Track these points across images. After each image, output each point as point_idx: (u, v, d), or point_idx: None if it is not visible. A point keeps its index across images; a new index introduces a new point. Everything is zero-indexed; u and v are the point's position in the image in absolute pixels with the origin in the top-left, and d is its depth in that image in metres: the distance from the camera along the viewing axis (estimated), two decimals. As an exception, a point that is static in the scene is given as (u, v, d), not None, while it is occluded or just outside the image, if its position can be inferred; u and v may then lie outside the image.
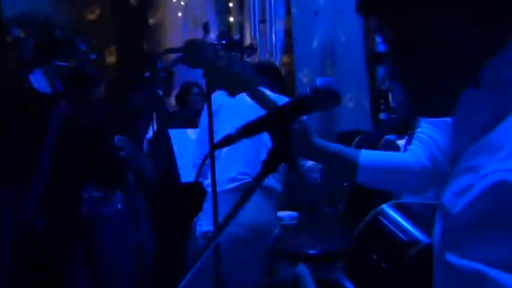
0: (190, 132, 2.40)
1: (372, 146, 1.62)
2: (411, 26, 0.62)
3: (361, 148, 1.66)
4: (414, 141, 1.14)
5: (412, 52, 0.63)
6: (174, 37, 4.93)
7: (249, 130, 0.78)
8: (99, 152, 2.42)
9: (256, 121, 0.78)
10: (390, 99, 3.38)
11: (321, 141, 0.99)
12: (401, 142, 1.52)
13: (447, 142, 1.09)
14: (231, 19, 4.93)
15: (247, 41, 4.41)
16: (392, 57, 0.66)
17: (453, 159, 0.70)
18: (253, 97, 1.07)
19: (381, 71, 3.77)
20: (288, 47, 4.30)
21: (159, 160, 2.70)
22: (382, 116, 3.58)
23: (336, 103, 0.77)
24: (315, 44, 3.94)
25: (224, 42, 1.64)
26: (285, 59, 4.40)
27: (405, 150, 1.40)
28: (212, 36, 4.45)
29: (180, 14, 4.98)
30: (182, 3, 4.99)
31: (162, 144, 2.63)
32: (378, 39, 3.75)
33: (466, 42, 0.59)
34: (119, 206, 2.48)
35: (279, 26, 4.31)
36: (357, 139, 1.74)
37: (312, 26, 3.98)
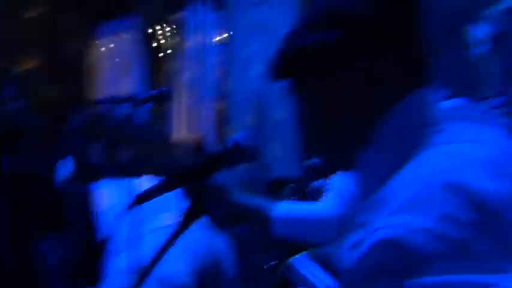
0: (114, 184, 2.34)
1: (301, 194, 1.66)
2: (317, 92, 0.66)
3: (288, 197, 1.69)
4: (329, 189, 1.17)
5: (319, 116, 0.67)
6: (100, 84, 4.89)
7: (167, 186, 0.79)
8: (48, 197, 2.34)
9: (174, 176, 0.80)
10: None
11: (237, 194, 1.00)
12: (324, 189, 1.57)
13: None
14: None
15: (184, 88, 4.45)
16: (303, 118, 0.71)
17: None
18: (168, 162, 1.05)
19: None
20: (224, 93, 4.37)
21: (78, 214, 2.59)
22: (311, 161, 3.69)
23: (255, 157, 0.80)
24: (250, 91, 4.05)
25: (155, 94, 1.66)
26: (221, 106, 4.46)
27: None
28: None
29: (107, 62, 4.95)
30: (110, 49, 4.95)
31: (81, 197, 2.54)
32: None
33: (364, 105, 0.64)
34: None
35: (215, 72, 4.40)
36: (286, 188, 1.78)
37: (247, 73, 4.10)
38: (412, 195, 0.51)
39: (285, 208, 1.08)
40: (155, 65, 5.06)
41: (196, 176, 0.79)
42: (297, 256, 0.88)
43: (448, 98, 0.67)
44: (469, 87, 2.70)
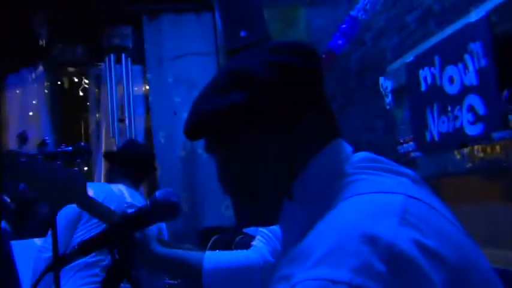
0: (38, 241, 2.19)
1: (227, 245, 1.64)
2: (230, 153, 0.68)
3: (216, 247, 1.66)
4: (257, 236, 1.18)
5: (235, 174, 0.68)
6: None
7: (85, 248, 0.75)
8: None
9: (93, 238, 0.76)
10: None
11: (162, 249, 0.97)
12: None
13: None
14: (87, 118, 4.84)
15: (103, 141, 4.33)
16: (220, 175, 0.71)
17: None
18: (83, 208, 1.02)
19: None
20: (149, 144, 4.31)
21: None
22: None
23: (176, 214, 0.79)
24: (175, 144, 4.03)
25: (61, 150, 1.60)
26: (146, 157, 4.38)
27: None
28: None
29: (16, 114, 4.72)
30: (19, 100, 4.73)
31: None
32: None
33: (276, 163, 0.66)
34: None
35: (139, 124, 4.34)
36: (212, 239, 1.76)
37: (171, 125, 4.08)
38: (328, 247, 0.52)
39: (215, 258, 1.07)
40: (71, 117, 4.89)
41: (118, 235, 0.75)
42: None
43: (356, 150, 0.71)
44: (388, 133, 2.89)
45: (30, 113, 4.71)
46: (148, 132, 4.30)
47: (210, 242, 1.74)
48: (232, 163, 0.68)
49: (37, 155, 1.60)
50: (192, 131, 0.69)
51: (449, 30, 2.22)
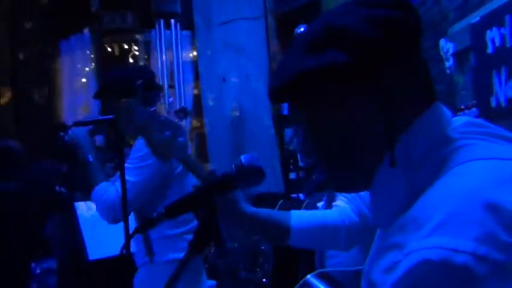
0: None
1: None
2: (322, 115, 0.64)
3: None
4: (340, 197, 1.17)
5: (326, 138, 0.65)
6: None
7: (171, 211, 0.76)
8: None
9: (179, 201, 0.76)
10: (299, 159, 3.52)
11: (251, 208, 0.98)
12: (320, 204, 1.56)
13: None
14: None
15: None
16: (308, 140, 0.68)
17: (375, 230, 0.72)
18: (185, 164, 1.03)
19: (288, 132, 3.94)
20: (198, 111, 4.35)
21: (65, 235, 2.50)
22: (292, 175, 3.69)
23: (261, 180, 0.78)
24: (224, 108, 4.04)
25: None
26: (195, 122, 4.43)
27: (326, 208, 1.43)
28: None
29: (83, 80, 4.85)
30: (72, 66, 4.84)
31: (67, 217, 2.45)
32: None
33: (373, 125, 0.62)
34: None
35: (188, 90, 4.37)
36: (278, 205, 1.76)
37: (220, 91, 4.09)
38: (447, 215, 0.50)
39: (302, 218, 1.08)
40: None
41: (203, 199, 0.76)
42: (310, 280, 0.86)
43: (454, 115, 0.67)
44: (447, 99, 2.78)
45: (83, 80, 4.83)
46: (197, 99, 4.34)
47: (277, 207, 1.75)
48: (326, 126, 0.64)
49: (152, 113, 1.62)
50: (283, 91, 0.65)
51: (523, -13, 2.06)
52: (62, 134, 1.81)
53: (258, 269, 2.24)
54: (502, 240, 0.47)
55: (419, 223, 0.51)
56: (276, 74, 0.67)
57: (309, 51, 0.62)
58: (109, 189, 1.72)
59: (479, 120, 0.64)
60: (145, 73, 2.03)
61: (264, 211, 1.01)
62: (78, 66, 4.81)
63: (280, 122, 3.96)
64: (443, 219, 0.50)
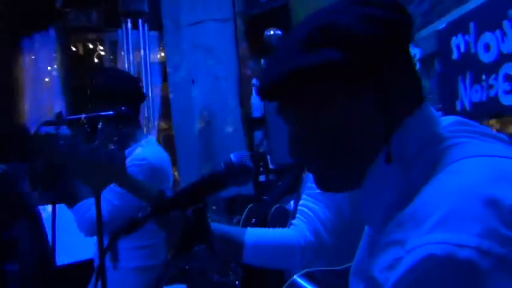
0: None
1: (263, 215, 1.63)
2: (316, 114, 0.64)
3: (252, 217, 1.66)
4: (297, 216, 1.17)
5: (319, 137, 0.65)
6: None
7: (159, 210, 0.74)
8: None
9: (166, 201, 0.74)
10: (268, 161, 3.52)
11: (212, 224, 0.97)
12: (288, 206, 1.57)
13: (328, 215, 1.14)
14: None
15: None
16: (298, 140, 0.67)
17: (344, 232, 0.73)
18: (124, 187, 1.00)
19: (257, 134, 3.94)
20: (166, 112, 4.29)
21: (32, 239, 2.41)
22: (261, 178, 3.69)
23: (250, 178, 0.77)
24: (192, 110, 4.00)
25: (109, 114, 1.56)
26: (163, 124, 4.37)
27: (294, 211, 1.44)
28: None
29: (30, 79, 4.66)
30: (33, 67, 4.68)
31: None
32: (253, 105, 3.95)
33: (370, 124, 0.62)
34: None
35: (156, 92, 4.30)
36: (247, 208, 1.75)
37: (188, 93, 4.05)
38: (447, 211, 0.50)
39: (257, 235, 1.07)
40: (86, 84, 4.85)
41: (192, 198, 0.74)
42: (297, 280, 0.85)
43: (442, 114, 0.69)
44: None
45: (46, 79, 4.68)
46: (165, 100, 4.27)
47: (245, 212, 1.74)
48: (319, 125, 0.64)
49: (75, 135, 1.58)
50: (275, 89, 0.64)
51: (487, -5, 2.14)
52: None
53: (230, 273, 2.22)
54: (503, 234, 0.48)
55: (419, 219, 0.52)
56: (269, 70, 0.66)
57: (303, 49, 0.61)
58: (92, 208, 1.67)
59: (467, 120, 0.65)
60: (135, 81, 2.02)
61: (220, 226, 1.00)
62: (41, 65, 4.64)
63: (249, 124, 3.95)
64: (444, 215, 0.50)
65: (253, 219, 1.70)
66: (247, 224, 1.65)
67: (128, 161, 1.80)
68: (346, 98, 0.62)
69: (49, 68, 4.66)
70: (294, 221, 1.18)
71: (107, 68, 3.69)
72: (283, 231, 1.15)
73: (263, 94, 0.67)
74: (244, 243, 1.04)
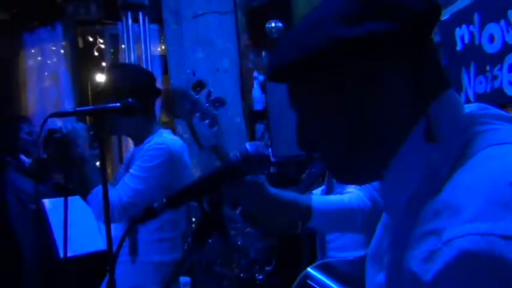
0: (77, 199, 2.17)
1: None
2: (344, 93, 0.60)
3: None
4: (348, 186, 1.19)
5: (345, 119, 0.61)
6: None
7: (174, 201, 0.73)
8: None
9: (181, 190, 0.74)
10: (270, 154, 3.52)
11: (274, 190, 0.98)
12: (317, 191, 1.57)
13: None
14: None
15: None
16: (315, 124, 0.63)
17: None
18: (216, 152, 1.03)
19: (259, 127, 3.93)
20: (166, 105, 4.28)
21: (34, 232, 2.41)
22: (263, 171, 3.69)
23: (267, 167, 0.77)
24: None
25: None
26: (164, 117, 4.36)
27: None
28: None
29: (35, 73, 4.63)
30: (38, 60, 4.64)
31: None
32: (254, 98, 3.94)
33: (403, 104, 0.59)
34: None
35: (157, 85, 4.28)
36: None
37: (189, 84, 4.03)
38: (486, 200, 0.48)
39: (322, 201, 1.11)
40: (88, 77, 4.83)
41: (208, 188, 0.74)
42: (310, 272, 0.85)
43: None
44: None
45: (46, 73, 4.65)
46: (167, 92, 4.26)
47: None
48: (347, 105, 0.59)
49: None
50: (303, 64, 0.58)
51: (491, -14, 2.13)
52: (55, 129, 1.73)
53: (234, 265, 2.22)
54: None
55: (455, 208, 0.49)
56: (293, 44, 0.60)
57: (343, 22, 0.57)
58: (111, 192, 1.66)
59: (488, 106, 0.64)
60: (148, 74, 2.04)
61: (286, 193, 1.03)
62: (45, 59, 4.61)
63: (251, 117, 3.95)
64: (483, 203, 0.48)
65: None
66: None
67: (146, 147, 1.81)
68: (382, 76, 0.58)
69: (49, 61, 4.63)
70: (348, 189, 1.20)
71: (118, 64, 3.66)
72: (342, 197, 1.18)
73: (284, 70, 0.61)
74: (312, 207, 1.06)
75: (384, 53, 0.58)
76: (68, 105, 4.39)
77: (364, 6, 0.57)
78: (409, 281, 0.51)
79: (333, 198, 1.15)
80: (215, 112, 1.14)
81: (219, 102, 1.12)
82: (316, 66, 0.59)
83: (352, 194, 1.16)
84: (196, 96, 1.19)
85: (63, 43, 4.47)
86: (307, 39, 0.59)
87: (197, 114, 1.06)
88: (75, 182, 1.77)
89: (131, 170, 1.79)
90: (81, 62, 4.62)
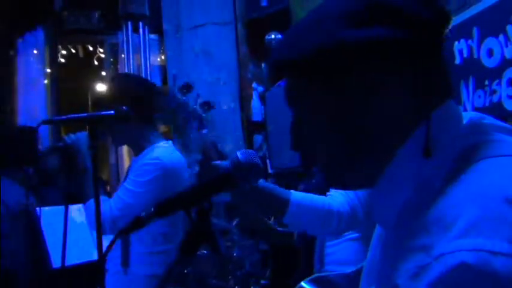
0: (74, 209, 2.15)
1: None
2: (343, 97, 0.59)
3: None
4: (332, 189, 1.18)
5: (342, 123, 0.59)
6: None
7: (162, 210, 0.72)
8: None
9: (170, 199, 0.72)
10: (268, 165, 3.50)
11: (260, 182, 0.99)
12: None
13: (364, 193, 1.15)
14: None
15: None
16: (311, 126, 0.62)
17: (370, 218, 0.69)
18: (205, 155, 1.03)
19: (257, 138, 3.92)
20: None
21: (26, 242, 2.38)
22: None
23: (259, 176, 0.75)
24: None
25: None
26: (163, 127, 4.35)
27: None
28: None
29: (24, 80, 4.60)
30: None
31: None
32: (253, 109, 3.93)
33: (403, 111, 0.58)
34: None
35: (155, 95, 4.28)
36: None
37: (188, 96, 4.03)
38: (477, 215, 0.47)
39: (301, 196, 1.10)
40: (85, 86, 4.84)
41: (197, 198, 0.72)
42: (305, 286, 0.84)
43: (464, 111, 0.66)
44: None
45: (45, 82, 4.65)
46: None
47: None
48: (346, 108, 0.58)
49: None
50: (305, 62, 0.57)
51: (490, 0, 2.14)
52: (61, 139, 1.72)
53: (229, 277, 2.19)
54: None
55: (446, 223, 0.48)
56: (296, 41, 0.59)
57: (349, 24, 0.56)
58: (104, 204, 1.66)
59: (486, 116, 0.62)
60: (147, 83, 2.02)
61: (266, 183, 1.02)
62: (33, 66, 4.60)
63: (249, 127, 3.94)
64: (473, 219, 0.47)
65: None
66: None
67: (140, 160, 1.80)
68: (385, 81, 0.57)
69: (48, 70, 4.63)
70: (331, 192, 1.20)
71: (122, 73, 3.66)
72: (323, 198, 1.17)
73: (285, 66, 0.60)
74: (289, 200, 1.06)
75: (388, 58, 0.57)
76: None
77: (372, 8, 0.57)
78: None
79: (314, 196, 1.14)
80: (203, 115, 1.12)
81: (208, 106, 1.10)
82: (319, 66, 0.58)
83: (333, 197, 1.15)
84: (183, 98, 1.17)
85: (48, 50, 4.43)
86: (312, 37, 0.58)
87: (182, 116, 1.05)
88: (75, 191, 1.76)
89: (125, 183, 1.77)
90: (80, 70, 4.63)
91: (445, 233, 0.47)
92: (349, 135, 0.60)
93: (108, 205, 1.68)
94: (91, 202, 1.66)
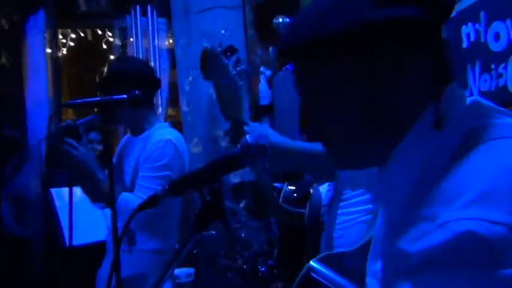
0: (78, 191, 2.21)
1: (304, 192, 1.66)
2: (366, 74, 0.59)
3: (287, 201, 1.70)
4: None
5: (358, 101, 0.60)
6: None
7: (175, 188, 0.76)
8: None
9: (183, 178, 0.76)
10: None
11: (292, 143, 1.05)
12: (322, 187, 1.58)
13: None
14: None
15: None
16: (324, 105, 0.62)
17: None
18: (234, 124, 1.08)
19: (265, 121, 3.94)
20: (173, 99, 4.30)
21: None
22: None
23: (266, 158, 0.78)
24: (200, 97, 4.01)
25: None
26: (171, 111, 4.39)
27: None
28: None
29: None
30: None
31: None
32: (261, 93, 3.95)
33: (416, 90, 0.60)
34: None
35: (164, 78, 4.31)
36: (286, 185, 1.77)
37: (196, 79, 4.05)
38: (482, 189, 0.49)
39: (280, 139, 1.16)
40: (94, 70, 4.84)
41: (208, 178, 0.76)
42: (313, 265, 0.87)
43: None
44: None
45: (53, 65, 4.67)
46: (173, 87, 4.29)
47: (285, 187, 1.76)
48: (363, 87, 0.59)
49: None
50: (325, 42, 0.57)
51: (498, -17, 2.13)
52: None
53: (237, 256, 2.25)
54: None
55: (452, 195, 0.51)
56: (322, 23, 0.59)
57: (378, 3, 0.57)
58: (131, 198, 1.74)
59: (487, 101, 0.65)
60: (149, 67, 2.07)
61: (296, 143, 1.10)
62: (43, 50, 4.60)
63: (257, 111, 3.96)
64: (479, 192, 0.49)
65: (295, 194, 1.74)
66: (288, 200, 1.67)
67: (148, 144, 1.84)
68: (411, 61, 0.59)
69: (47, 52, 4.63)
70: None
71: (121, 55, 3.70)
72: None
73: (302, 46, 0.60)
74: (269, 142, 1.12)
75: (415, 39, 0.58)
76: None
77: None
78: (399, 262, 0.52)
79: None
80: (240, 83, 1.16)
81: (244, 73, 1.14)
82: (348, 45, 0.58)
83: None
84: (226, 61, 1.21)
85: (50, 34, 4.41)
86: (340, 17, 0.58)
87: (224, 81, 1.08)
88: (86, 188, 1.81)
89: (144, 173, 1.81)
90: (89, 54, 4.66)
91: (450, 203, 0.50)
92: (371, 114, 0.60)
93: (140, 198, 1.73)
94: (120, 203, 1.69)
